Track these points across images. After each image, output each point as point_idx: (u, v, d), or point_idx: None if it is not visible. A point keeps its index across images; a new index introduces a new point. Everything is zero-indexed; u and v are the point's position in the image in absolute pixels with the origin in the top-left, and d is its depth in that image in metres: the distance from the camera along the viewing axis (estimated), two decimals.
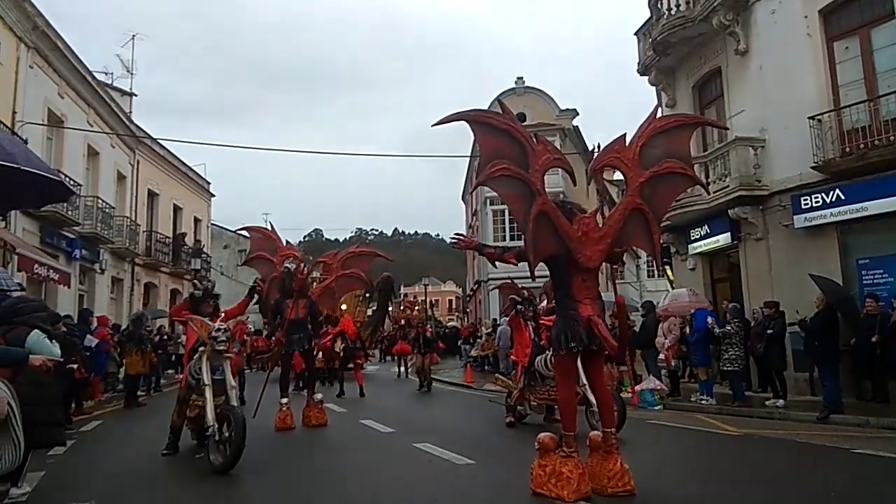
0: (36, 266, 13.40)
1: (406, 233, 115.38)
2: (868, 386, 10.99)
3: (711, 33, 14.87)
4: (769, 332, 11.29)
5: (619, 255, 6.06)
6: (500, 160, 5.27)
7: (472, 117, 5.36)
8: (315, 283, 12.02)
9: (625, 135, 5.68)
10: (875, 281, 11.56)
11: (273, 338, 11.85)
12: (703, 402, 11.77)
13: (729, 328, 11.40)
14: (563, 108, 31.61)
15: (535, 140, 5.48)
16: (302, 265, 10.56)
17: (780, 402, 10.90)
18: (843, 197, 11.69)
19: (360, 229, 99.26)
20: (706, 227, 15.05)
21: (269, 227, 11.54)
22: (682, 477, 6.35)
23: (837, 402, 9.87)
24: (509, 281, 10.46)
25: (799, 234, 12.57)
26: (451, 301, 78.94)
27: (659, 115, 5.86)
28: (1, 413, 3.87)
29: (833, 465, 6.93)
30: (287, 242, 11.44)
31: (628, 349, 12.32)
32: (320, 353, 15.24)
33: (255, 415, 10.06)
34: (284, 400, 9.76)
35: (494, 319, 24.41)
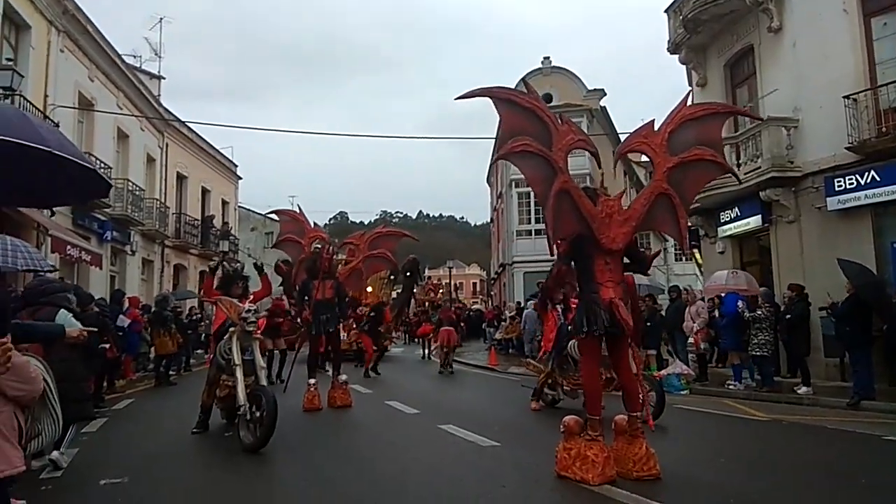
0: (68, 247, 13.69)
1: (431, 215, 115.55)
2: None
3: (744, 10, 14.52)
4: (787, 317, 11.11)
5: (649, 263, 6.02)
6: (523, 136, 5.24)
7: (496, 94, 5.33)
8: (340, 266, 12.10)
9: (653, 120, 5.65)
10: None
11: (299, 319, 11.96)
12: (730, 387, 11.66)
13: (759, 312, 11.22)
14: (590, 88, 31.18)
15: (559, 120, 5.43)
16: (328, 246, 10.64)
17: (804, 388, 10.72)
18: (878, 178, 11.41)
19: (384, 212, 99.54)
20: (736, 209, 14.80)
21: (297, 210, 11.64)
22: (709, 462, 6.29)
23: (868, 388, 9.69)
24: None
25: (832, 217, 12.30)
26: (475, 284, 78.99)
27: (690, 102, 5.78)
28: (38, 390, 3.98)
29: (863, 452, 6.83)
30: (315, 224, 11.53)
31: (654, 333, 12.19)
32: (346, 335, 15.40)
33: (284, 390, 10.25)
34: (312, 381, 9.84)
35: (519, 302, 24.38)
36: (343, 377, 10.17)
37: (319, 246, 10.61)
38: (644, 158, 6.16)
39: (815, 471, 5.90)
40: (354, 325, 16.91)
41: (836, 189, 12.06)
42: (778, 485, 5.34)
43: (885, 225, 11.82)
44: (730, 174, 12.63)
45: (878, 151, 11.44)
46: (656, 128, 5.60)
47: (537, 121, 5.29)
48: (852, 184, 11.80)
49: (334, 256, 11.10)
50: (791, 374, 12.25)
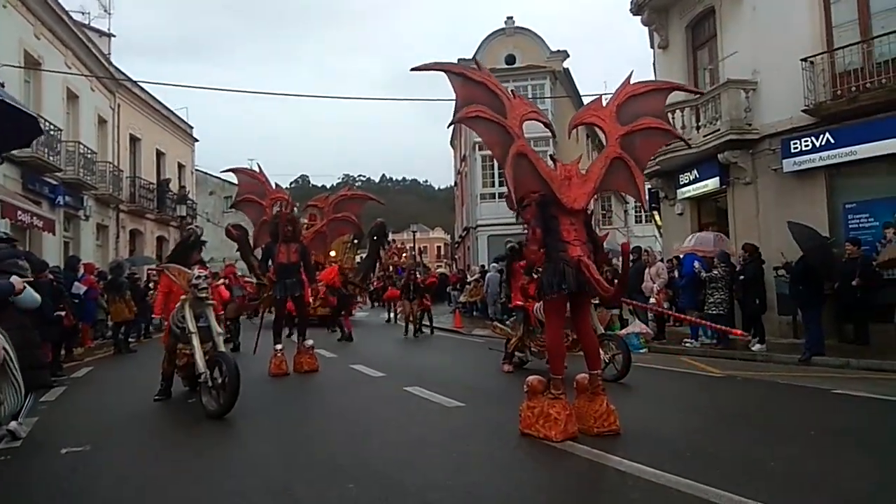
0: (20, 213, 13.22)
1: (394, 179, 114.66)
2: (850, 329, 11.20)
3: None
4: (741, 277, 11.40)
5: (600, 245, 6.15)
6: (478, 105, 5.51)
7: (450, 68, 5.61)
8: (304, 229, 11.94)
9: (601, 97, 6.13)
10: (861, 225, 11.65)
11: (260, 284, 11.81)
12: (687, 344, 11.99)
13: (715, 272, 11.51)
14: (553, 49, 31.00)
15: (511, 94, 5.73)
16: (287, 206, 10.42)
17: (758, 345, 11.08)
18: (832, 141, 11.67)
19: (347, 175, 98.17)
20: (695, 171, 15.02)
21: (256, 169, 11.36)
22: (666, 417, 6.49)
23: (819, 345, 10.07)
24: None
25: (787, 178, 12.59)
26: (439, 248, 79.06)
27: (632, 80, 6.07)
28: None
29: (813, 405, 7.11)
30: (276, 185, 11.28)
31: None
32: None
33: (255, 351, 10.17)
34: (279, 346, 9.77)
35: (482, 266, 24.52)
36: (309, 342, 10.11)
37: (278, 209, 10.41)
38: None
39: (767, 423, 6.13)
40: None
41: (792, 151, 12.31)
42: (731, 436, 5.55)
43: (838, 186, 12.14)
44: (689, 136, 12.79)
45: (834, 114, 11.68)
46: (604, 103, 5.96)
47: (490, 93, 5.56)
48: (808, 146, 12.06)
49: (297, 218, 10.92)
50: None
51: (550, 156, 6.33)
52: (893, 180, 11.39)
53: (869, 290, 10.25)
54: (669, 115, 14.32)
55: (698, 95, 13.46)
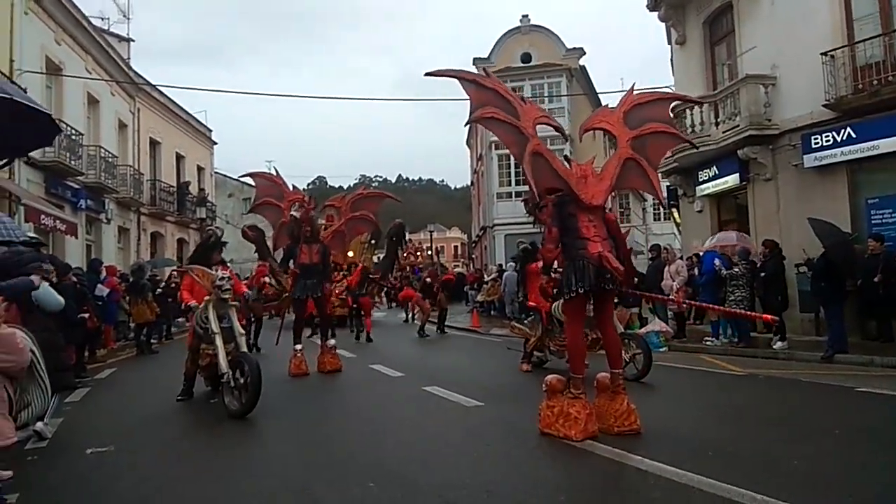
0: (43, 217, 13.44)
1: (411, 179, 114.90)
2: (873, 326, 11.03)
3: None
4: (762, 274, 11.27)
5: (622, 242, 6.19)
6: (492, 107, 5.65)
7: (462, 76, 5.74)
8: (323, 229, 11.99)
9: (608, 104, 6.38)
10: (884, 220, 11.44)
11: (281, 284, 11.90)
12: (708, 343, 11.88)
13: (736, 270, 11.40)
14: (569, 46, 30.87)
15: (523, 101, 5.90)
16: (308, 204, 10.48)
17: (779, 343, 10.94)
18: (854, 135, 11.50)
19: (364, 176, 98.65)
20: (714, 168, 14.87)
21: (273, 173, 11.46)
22: (687, 416, 6.45)
23: (842, 342, 9.92)
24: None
25: (808, 174, 12.42)
26: (456, 247, 79.08)
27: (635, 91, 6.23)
28: (25, 360, 3.99)
29: (836, 404, 7.01)
30: (293, 187, 11.37)
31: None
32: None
33: (277, 342, 10.27)
34: (299, 346, 9.86)
35: (500, 265, 24.47)
36: (332, 342, 10.18)
37: (296, 213, 10.46)
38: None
39: (790, 422, 6.06)
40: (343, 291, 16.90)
41: (813, 146, 12.14)
42: (753, 435, 5.49)
43: (860, 181, 11.96)
44: (708, 132, 12.66)
45: (855, 108, 11.50)
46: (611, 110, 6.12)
47: (502, 99, 5.71)
48: (829, 141, 11.89)
49: (315, 218, 10.97)
50: (767, 330, 12.48)
51: (565, 156, 6.37)
52: None
53: (892, 286, 10.06)
54: (687, 111, 14.27)
55: (706, 98, 13.40)
